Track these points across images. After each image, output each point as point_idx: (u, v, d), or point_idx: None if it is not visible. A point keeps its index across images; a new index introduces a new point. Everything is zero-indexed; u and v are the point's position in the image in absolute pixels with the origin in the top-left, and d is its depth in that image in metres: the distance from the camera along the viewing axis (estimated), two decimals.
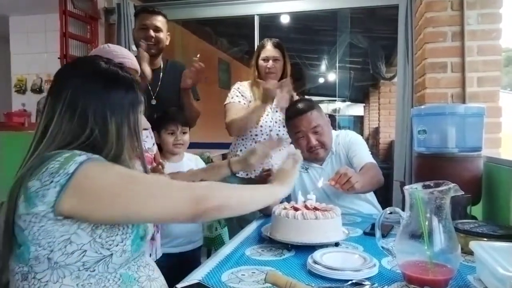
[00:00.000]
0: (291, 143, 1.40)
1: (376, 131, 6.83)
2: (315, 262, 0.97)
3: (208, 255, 2.07)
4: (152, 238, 1.28)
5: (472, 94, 2.13)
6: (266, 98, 1.90)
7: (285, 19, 4.23)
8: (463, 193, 0.90)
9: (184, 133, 1.85)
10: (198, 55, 1.97)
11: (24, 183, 0.74)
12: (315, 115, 1.73)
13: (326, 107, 9.14)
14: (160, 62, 2.07)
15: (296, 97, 2.17)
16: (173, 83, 1.99)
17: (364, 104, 8.96)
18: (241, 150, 2.10)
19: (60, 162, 0.74)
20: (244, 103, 2.08)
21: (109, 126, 0.83)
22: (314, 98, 6.66)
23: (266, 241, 1.26)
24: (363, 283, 0.86)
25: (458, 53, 2.15)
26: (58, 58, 2.91)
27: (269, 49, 2.10)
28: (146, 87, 1.90)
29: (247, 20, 3.34)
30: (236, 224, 2.00)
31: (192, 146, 1.92)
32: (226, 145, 2.34)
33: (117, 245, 0.78)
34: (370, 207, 1.80)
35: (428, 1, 2.18)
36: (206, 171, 1.38)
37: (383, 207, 1.23)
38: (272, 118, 2.11)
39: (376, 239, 1.00)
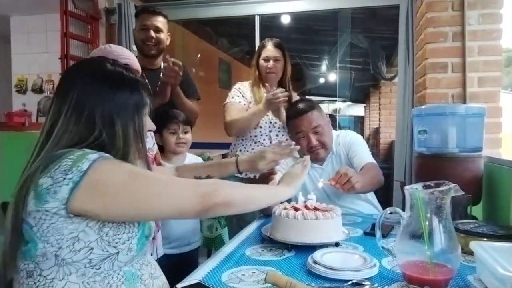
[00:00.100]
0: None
1: (376, 131, 6.83)
2: (315, 262, 0.97)
3: (208, 255, 2.07)
4: (153, 237, 1.29)
5: (473, 94, 2.13)
6: (270, 106, 1.91)
7: (285, 19, 4.23)
8: (464, 193, 0.90)
9: (186, 132, 1.84)
10: (198, 56, 1.96)
11: (34, 181, 0.75)
12: (315, 115, 1.73)
13: (327, 107, 9.15)
14: (160, 62, 2.07)
15: (296, 97, 2.17)
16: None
17: (364, 104, 8.96)
18: (240, 151, 2.10)
19: (73, 159, 0.75)
20: (244, 104, 2.08)
21: (116, 128, 0.84)
22: (315, 98, 6.67)
23: (266, 241, 1.26)
24: (363, 283, 0.86)
25: (459, 53, 2.15)
26: (59, 58, 2.92)
27: (270, 49, 2.10)
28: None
29: (247, 20, 3.34)
30: (235, 224, 2.00)
31: (192, 146, 1.92)
32: (226, 145, 2.34)
33: (123, 243, 0.79)
34: (371, 207, 1.80)
35: (429, 1, 2.18)
36: (213, 167, 1.34)
37: (384, 207, 1.23)
38: (272, 119, 2.11)
39: (377, 239, 1.00)
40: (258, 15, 3.23)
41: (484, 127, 1.59)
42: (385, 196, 2.60)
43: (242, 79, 2.26)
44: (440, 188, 0.88)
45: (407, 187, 0.93)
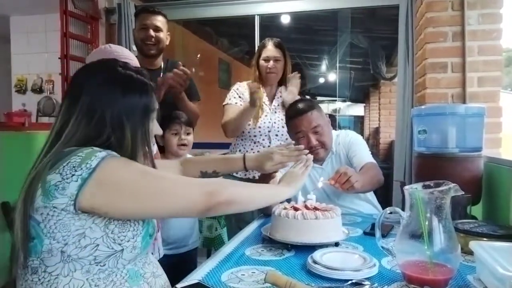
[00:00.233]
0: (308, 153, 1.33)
1: (376, 131, 6.83)
2: (315, 262, 0.97)
3: (208, 255, 2.07)
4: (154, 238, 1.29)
5: (473, 94, 2.13)
6: (252, 101, 1.89)
7: (285, 19, 4.23)
8: (463, 193, 0.90)
9: (187, 133, 1.84)
10: (199, 56, 1.96)
11: (42, 178, 0.76)
12: (315, 115, 1.73)
13: (327, 107, 9.14)
14: (160, 62, 2.07)
15: (297, 97, 2.17)
16: None
17: (364, 104, 8.95)
18: (240, 151, 2.10)
19: (82, 157, 0.76)
20: (241, 104, 2.08)
21: (126, 131, 0.85)
22: (315, 98, 6.67)
23: (266, 241, 1.26)
24: (363, 283, 0.86)
25: (459, 53, 2.15)
26: (59, 58, 2.92)
27: (270, 49, 2.10)
28: None
29: (247, 20, 3.34)
30: (234, 224, 2.00)
31: (193, 146, 1.92)
32: (226, 145, 2.34)
33: (128, 241, 0.80)
34: (370, 207, 1.80)
35: (429, 1, 2.18)
36: (220, 162, 1.33)
37: (383, 207, 1.23)
38: (271, 119, 2.11)
39: (376, 239, 1.00)
40: (258, 15, 3.23)
41: (484, 127, 1.59)
42: (384, 196, 2.61)
43: (242, 79, 2.26)
44: (440, 188, 0.88)
45: (406, 187, 0.93)
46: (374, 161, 1.75)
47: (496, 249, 0.87)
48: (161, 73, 2.03)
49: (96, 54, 1.46)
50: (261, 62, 2.11)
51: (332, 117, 7.81)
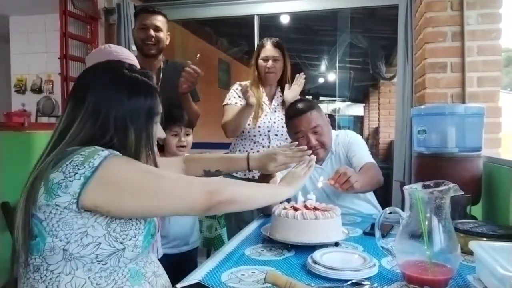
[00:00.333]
0: (311, 154, 1.33)
1: (376, 131, 6.83)
2: (315, 262, 0.97)
3: (208, 255, 2.07)
4: None
5: (472, 94, 2.13)
6: (247, 100, 1.89)
7: (285, 19, 4.23)
8: (463, 193, 0.90)
9: (187, 134, 1.84)
10: (198, 56, 1.97)
11: (45, 176, 0.76)
12: (314, 115, 1.73)
13: (326, 107, 9.14)
14: (160, 62, 2.07)
15: (297, 97, 2.17)
16: (173, 83, 1.98)
17: (364, 104, 8.95)
18: (239, 150, 2.10)
19: (85, 156, 0.77)
20: (241, 104, 2.08)
21: (129, 134, 0.86)
22: (314, 98, 6.67)
23: (266, 241, 1.26)
24: (362, 283, 0.86)
25: (458, 53, 2.15)
26: (58, 58, 2.91)
27: (269, 49, 2.10)
28: None
29: (247, 20, 3.34)
30: (234, 224, 2.00)
31: (192, 146, 1.92)
32: (226, 145, 2.34)
33: (130, 240, 0.81)
34: (370, 207, 1.80)
35: (428, 1, 2.18)
36: (223, 161, 1.32)
37: (383, 207, 1.23)
38: (270, 119, 2.11)
39: (376, 239, 1.00)
40: (257, 15, 3.23)
41: (483, 127, 1.59)
42: (384, 196, 2.61)
43: (241, 79, 2.26)
44: (440, 188, 0.88)
45: (406, 187, 0.93)
46: (373, 161, 1.75)
47: (496, 249, 0.87)
48: (161, 73, 2.02)
49: (95, 54, 1.46)
50: (260, 62, 2.11)
51: (331, 117, 7.79)
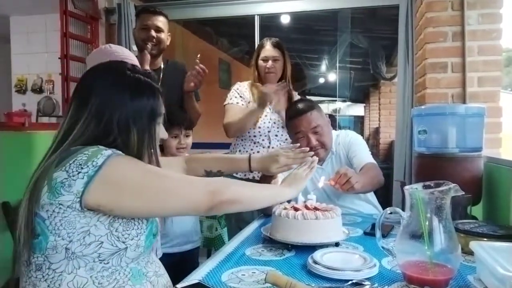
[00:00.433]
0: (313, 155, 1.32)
1: (376, 131, 6.83)
2: (315, 262, 0.97)
3: (208, 255, 2.07)
4: None
5: (473, 94, 2.13)
6: (263, 102, 1.89)
7: (285, 19, 4.23)
8: (464, 193, 0.90)
9: (187, 136, 1.84)
10: (199, 55, 1.97)
11: (48, 175, 0.77)
12: (315, 115, 1.73)
13: (327, 107, 9.14)
14: (160, 62, 2.07)
15: (297, 97, 2.17)
16: (174, 83, 1.99)
17: (364, 104, 8.95)
18: (239, 151, 2.10)
19: (88, 155, 0.77)
20: (243, 104, 2.08)
21: (132, 135, 0.86)
22: (315, 98, 6.67)
23: (266, 241, 1.26)
24: (363, 283, 0.86)
25: (459, 53, 2.15)
26: (59, 58, 2.92)
27: (269, 49, 2.09)
28: None
29: (247, 20, 3.34)
30: (234, 225, 2.00)
31: (192, 146, 1.91)
32: (226, 145, 2.34)
33: (132, 239, 0.81)
34: (371, 207, 1.80)
35: (429, 1, 2.18)
36: (225, 162, 1.33)
37: (384, 207, 1.23)
38: (270, 119, 2.11)
39: (377, 239, 1.00)
40: (257, 15, 3.23)
41: (484, 127, 1.59)
42: (385, 196, 2.60)
43: (242, 79, 2.26)
44: (440, 188, 0.88)
45: (407, 187, 0.93)
46: (374, 161, 1.75)
47: (496, 249, 0.87)
48: (161, 74, 2.03)
49: (96, 54, 1.46)
50: (260, 62, 2.11)
51: (332, 117, 7.80)
